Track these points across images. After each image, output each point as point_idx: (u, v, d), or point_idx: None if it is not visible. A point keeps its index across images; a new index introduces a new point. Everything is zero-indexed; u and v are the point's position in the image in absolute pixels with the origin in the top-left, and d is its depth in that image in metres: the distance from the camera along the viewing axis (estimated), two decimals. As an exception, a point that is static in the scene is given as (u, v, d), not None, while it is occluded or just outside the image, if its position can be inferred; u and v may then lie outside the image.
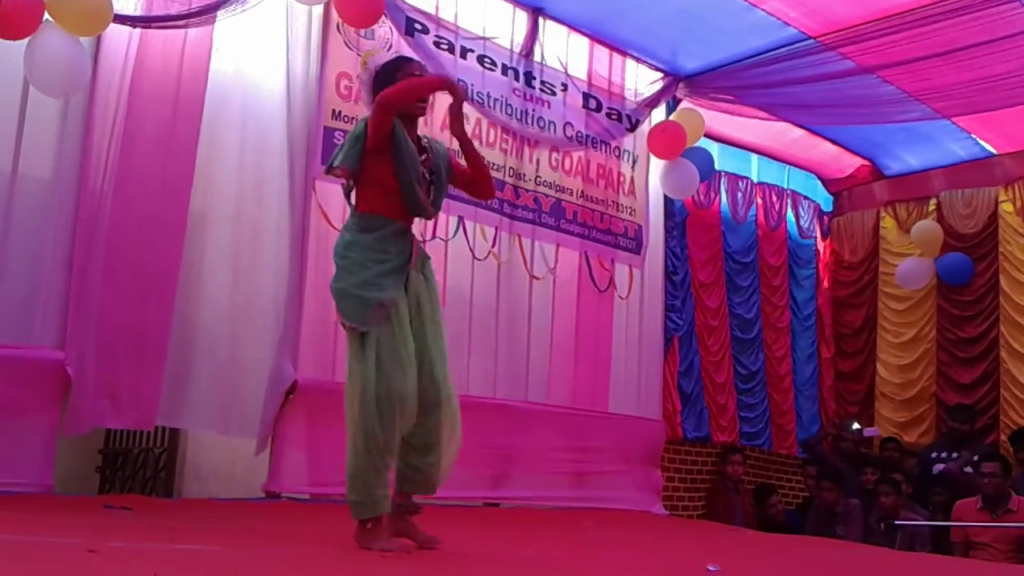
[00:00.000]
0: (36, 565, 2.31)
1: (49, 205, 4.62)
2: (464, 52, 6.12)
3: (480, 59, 6.21)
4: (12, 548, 2.60)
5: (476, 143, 6.06)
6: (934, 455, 7.42)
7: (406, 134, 3.38)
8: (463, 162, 3.68)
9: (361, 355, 3.20)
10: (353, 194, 3.45)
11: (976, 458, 6.82)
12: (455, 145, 3.69)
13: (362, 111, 5.53)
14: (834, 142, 8.34)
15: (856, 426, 8.19)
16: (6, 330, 4.41)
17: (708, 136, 7.38)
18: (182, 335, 4.98)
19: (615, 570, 3.46)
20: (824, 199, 9.15)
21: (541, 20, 6.50)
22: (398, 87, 3.32)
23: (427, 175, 3.46)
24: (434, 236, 5.82)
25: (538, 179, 6.47)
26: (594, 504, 6.28)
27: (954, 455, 7.21)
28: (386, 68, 3.49)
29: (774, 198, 8.51)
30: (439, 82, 3.63)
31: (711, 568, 3.32)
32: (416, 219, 3.52)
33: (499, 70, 6.31)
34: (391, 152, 3.33)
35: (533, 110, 6.47)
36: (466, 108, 6.03)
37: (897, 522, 6.30)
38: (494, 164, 6.19)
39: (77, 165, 4.67)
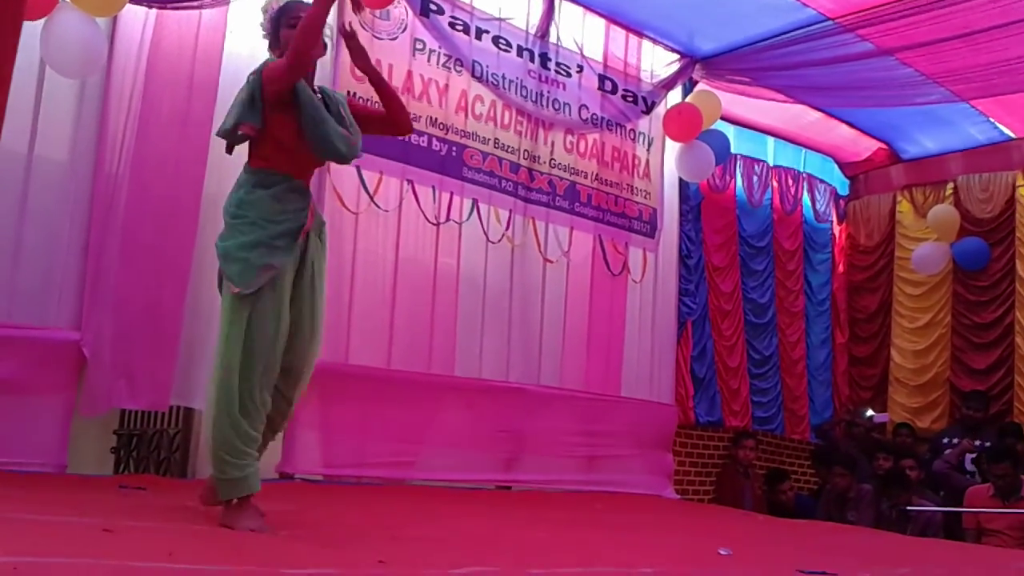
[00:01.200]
0: (52, 544, 2.33)
1: (65, 187, 4.63)
2: (479, 33, 6.10)
3: (495, 40, 6.18)
4: (28, 527, 2.63)
5: (491, 125, 6.07)
6: (946, 440, 7.41)
7: (305, 82, 3.22)
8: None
9: (234, 318, 3.04)
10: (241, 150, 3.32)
11: (977, 444, 6.81)
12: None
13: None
14: (851, 125, 8.27)
15: (869, 412, 8.17)
16: (23, 311, 4.44)
17: (724, 119, 7.34)
18: (195, 316, 4.99)
19: (627, 553, 3.47)
20: (840, 183, 9.09)
21: (557, 1, 6.47)
22: (302, 28, 3.09)
23: (338, 116, 3.30)
24: (448, 219, 5.83)
25: (552, 162, 6.45)
26: (606, 488, 6.30)
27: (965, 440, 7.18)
28: (274, 14, 3.33)
29: (790, 181, 8.46)
30: (325, 5, 3.18)
31: (722, 552, 3.33)
32: (321, 171, 3.33)
33: (514, 51, 6.28)
34: (293, 105, 3.16)
35: (548, 92, 6.45)
36: (481, 89, 6.05)
37: (909, 508, 6.30)
38: (509, 146, 6.18)
39: (93, 147, 4.68)
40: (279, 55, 3.26)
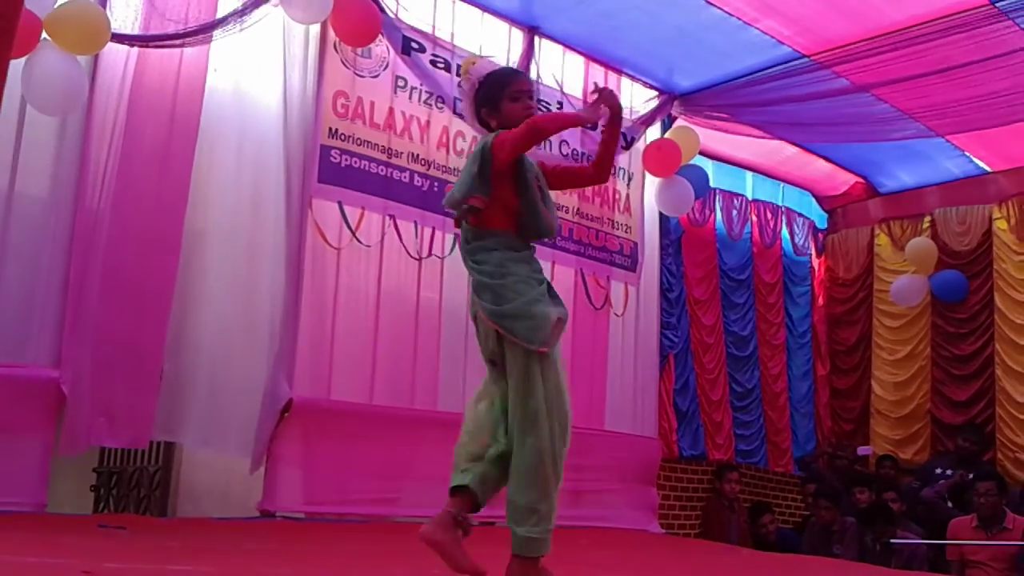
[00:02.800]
0: (31, 587, 2.30)
1: (46, 223, 4.62)
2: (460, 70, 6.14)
3: (476, 77, 6.22)
4: (7, 569, 2.59)
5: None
6: (938, 471, 7.39)
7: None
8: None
9: (542, 376, 2.94)
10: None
11: (971, 476, 6.82)
12: None
13: (359, 129, 5.58)
14: (828, 160, 8.37)
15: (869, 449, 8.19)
16: (2, 348, 4.40)
17: (703, 154, 7.41)
18: (177, 353, 4.97)
19: (612, 590, 3.44)
20: (819, 216, 9.18)
21: (537, 39, 6.53)
22: (555, 119, 3.12)
23: (540, 192, 3.22)
24: (430, 253, 5.83)
25: (534, 197, 6.46)
26: (590, 523, 6.26)
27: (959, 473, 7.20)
28: (492, 80, 3.22)
29: (769, 215, 8.54)
30: (591, 119, 3.29)
31: None
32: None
33: (495, 88, 6.32)
34: (514, 174, 3.12)
35: (529, 128, 6.47)
36: (462, 125, 6.09)
37: (893, 540, 6.29)
38: (490, 182, 6.20)
39: (74, 183, 4.67)
40: (495, 123, 3.19)
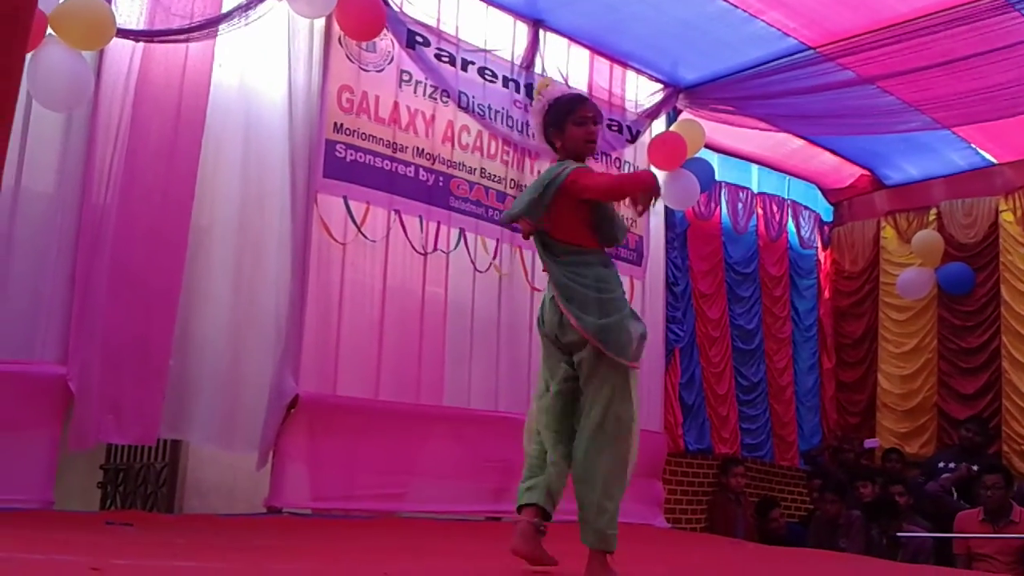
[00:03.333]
0: (39, 584, 2.30)
1: (52, 219, 4.61)
2: (465, 64, 6.13)
3: (481, 71, 6.22)
4: (15, 566, 2.59)
5: (477, 155, 6.10)
6: (941, 464, 7.39)
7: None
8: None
9: (631, 390, 3.27)
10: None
11: (975, 469, 6.81)
12: None
13: (363, 124, 5.57)
14: (834, 152, 8.35)
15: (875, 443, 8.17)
16: (8, 345, 4.40)
17: (708, 147, 7.38)
18: (184, 349, 4.97)
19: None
20: (824, 209, 9.15)
21: (542, 32, 6.52)
22: (633, 184, 3.30)
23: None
24: (435, 248, 5.83)
25: (539, 191, 6.45)
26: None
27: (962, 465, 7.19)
28: (560, 104, 3.46)
29: (774, 208, 8.51)
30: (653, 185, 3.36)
31: None
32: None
33: (500, 82, 6.32)
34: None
35: (534, 122, 6.46)
36: (467, 119, 6.08)
37: (899, 534, 6.29)
38: (495, 176, 6.20)
39: (80, 179, 4.67)
40: (559, 143, 3.46)
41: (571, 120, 3.40)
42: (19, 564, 2.64)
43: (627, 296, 3.36)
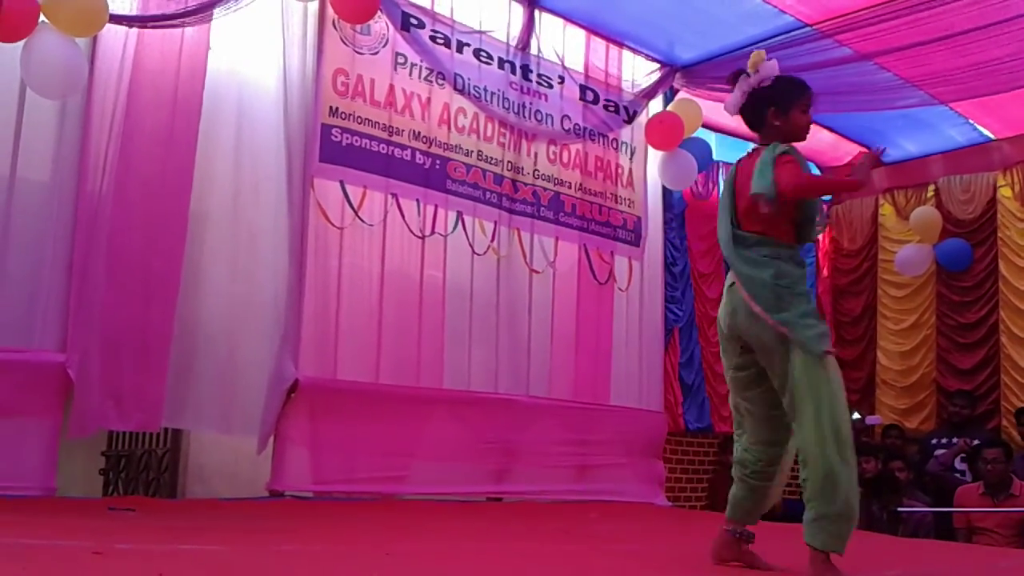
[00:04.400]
0: (42, 568, 2.32)
1: (48, 208, 4.61)
2: (460, 46, 6.11)
3: (476, 53, 6.20)
4: (18, 551, 2.61)
5: (474, 137, 6.09)
6: (935, 441, 7.43)
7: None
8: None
9: (828, 378, 3.18)
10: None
11: (975, 443, 6.83)
12: None
13: (359, 108, 5.56)
14: (831, 130, 8.32)
15: (856, 415, 8.18)
16: (7, 333, 4.41)
17: (706, 126, 7.35)
18: (183, 335, 4.98)
19: (621, 563, 3.47)
20: (822, 187, 9.11)
21: (537, 13, 6.49)
22: (826, 187, 3.50)
23: None
24: (433, 232, 5.83)
25: (536, 172, 6.46)
26: (597, 497, 6.29)
27: (954, 441, 7.22)
28: (788, 85, 3.33)
29: (772, 187, 8.48)
30: (853, 186, 3.41)
31: None
32: None
33: (495, 64, 6.30)
34: None
35: (530, 103, 6.46)
36: (463, 102, 6.07)
37: (900, 509, 6.31)
38: (492, 158, 6.20)
39: (76, 167, 4.66)
40: (779, 123, 3.30)
41: (799, 106, 3.30)
42: (23, 549, 2.66)
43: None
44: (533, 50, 6.48)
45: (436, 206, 5.86)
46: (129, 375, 4.71)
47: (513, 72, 6.38)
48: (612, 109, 6.95)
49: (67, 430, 4.52)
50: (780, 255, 3.18)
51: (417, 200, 5.78)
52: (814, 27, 6.29)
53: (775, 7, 6.14)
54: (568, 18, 6.69)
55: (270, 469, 5.06)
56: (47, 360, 4.45)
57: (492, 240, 6.14)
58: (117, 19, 4.64)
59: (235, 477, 5.52)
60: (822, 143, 8.51)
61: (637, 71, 7.14)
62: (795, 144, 3.29)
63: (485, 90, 6.21)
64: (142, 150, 4.81)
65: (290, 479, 5.08)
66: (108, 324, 4.65)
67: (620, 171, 7.02)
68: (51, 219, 4.61)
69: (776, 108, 3.29)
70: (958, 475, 7.00)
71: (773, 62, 3.33)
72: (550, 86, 6.59)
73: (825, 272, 9.00)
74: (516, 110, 6.37)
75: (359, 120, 5.57)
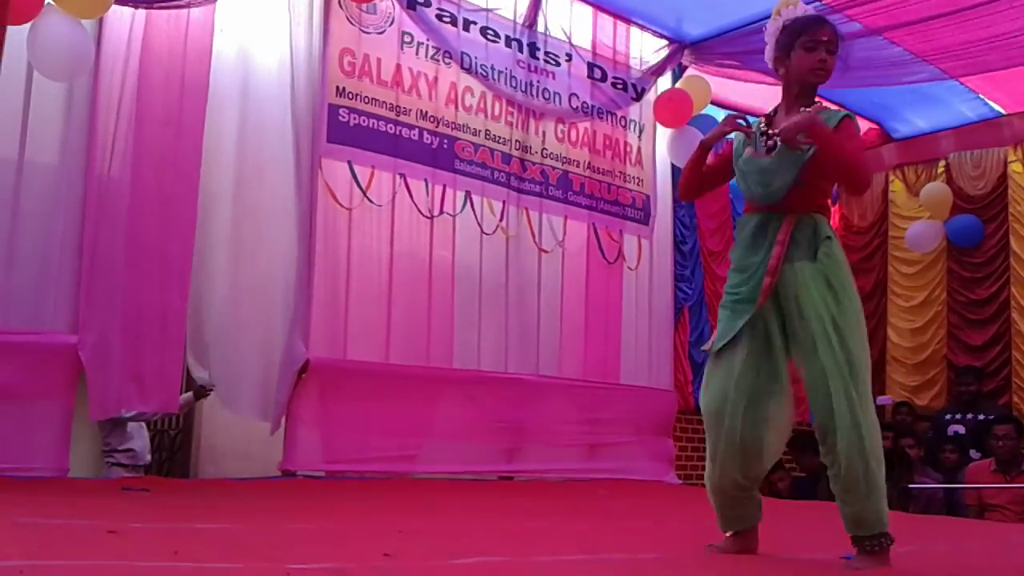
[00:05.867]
0: (59, 546, 2.33)
1: (57, 190, 4.62)
2: (467, 24, 6.08)
3: (483, 31, 6.17)
4: (33, 531, 2.63)
5: (482, 116, 6.06)
6: (948, 417, 7.42)
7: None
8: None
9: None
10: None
11: (981, 417, 6.83)
12: None
13: (366, 87, 5.55)
14: (841, 106, 8.19)
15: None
16: (18, 315, 4.44)
17: (714, 103, 7.32)
18: (198, 314, 5.00)
19: (632, 539, 3.48)
20: (832, 164, 9.07)
21: (544, -10, 6.46)
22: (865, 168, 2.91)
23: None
24: (441, 212, 5.82)
25: (544, 151, 6.44)
26: (607, 475, 6.30)
27: (968, 417, 7.21)
28: (792, 25, 2.97)
29: (782, 164, 8.44)
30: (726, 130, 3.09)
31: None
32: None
33: (502, 42, 6.26)
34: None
35: (538, 82, 6.43)
36: (470, 81, 6.04)
37: (911, 486, 6.31)
38: (500, 137, 6.18)
39: (84, 149, 4.67)
40: (782, 71, 3.00)
41: (800, 44, 2.91)
42: (38, 528, 2.68)
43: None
44: (540, 28, 6.45)
45: (444, 186, 5.85)
46: (148, 356, 4.73)
47: (520, 50, 6.35)
48: (620, 87, 6.91)
49: (86, 412, 4.55)
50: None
51: (425, 180, 5.77)
52: (823, 2, 6.23)
53: (784, -18, 6.09)
54: (575, -5, 6.65)
55: (282, 449, 5.08)
56: (59, 342, 4.47)
57: (501, 220, 6.13)
58: (123, 1, 4.63)
59: (247, 457, 5.55)
60: (832, 120, 8.45)
61: (645, 48, 7.09)
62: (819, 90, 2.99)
63: (492, 69, 6.18)
64: (150, 132, 4.81)
65: (302, 459, 5.11)
66: (123, 306, 4.67)
67: (629, 149, 6.99)
68: (60, 202, 4.62)
69: (780, 54, 3.00)
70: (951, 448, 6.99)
71: (797, 6, 3.03)
72: (557, 64, 6.56)
73: (835, 249, 8.95)
74: (524, 88, 6.34)
75: (366, 100, 5.56)
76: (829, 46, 2.92)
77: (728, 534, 3.09)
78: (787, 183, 2.86)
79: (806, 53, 2.91)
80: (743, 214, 3.05)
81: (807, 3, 5.82)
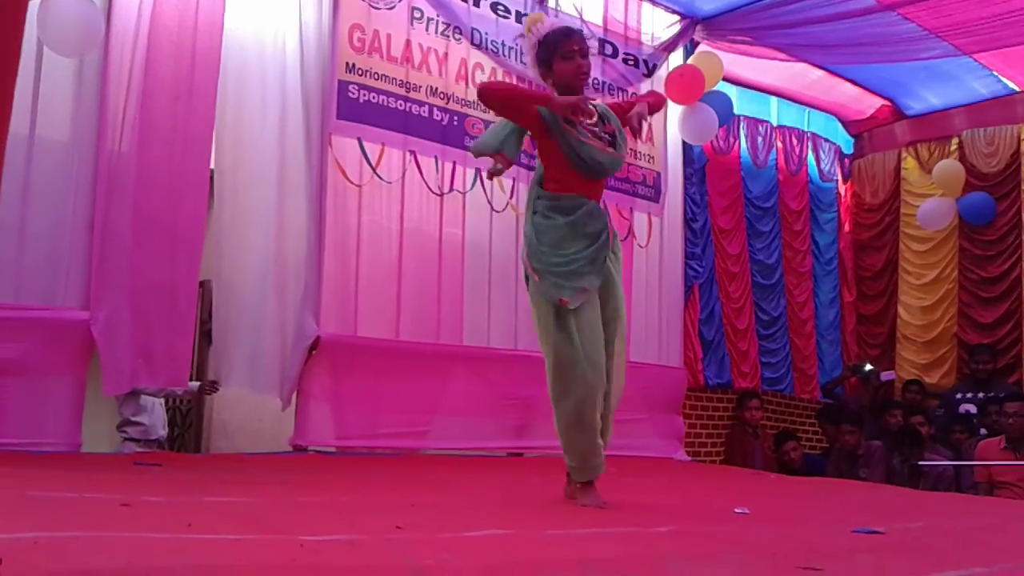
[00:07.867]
0: (72, 519, 2.35)
1: (68, 166, 4.62)
2: (477, 0, 6.05)
3: (493, 7, 6.14)
4: (47, 504, 2.64)
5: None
6: (959, 396, 7.42)
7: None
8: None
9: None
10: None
11: (992, 395, 6.83)
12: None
13: (376, 64, 5.53)
14: (854, 83, 8.21)
15: (869, 367, 8.16)
16: (31, 292, 4.45)
17: (726, 80, 7.28)
18: (205, 293, 5.01)
19: (642, 514, 3.49)
20: (845, 141, 9.04)
21: (555, -35, 6.41)
22: (503, 93, 3.57)
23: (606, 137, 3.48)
24: (451, 189, 5.81)
25: (555, 128, 6.40)
26: (616, 452, 6.26)
27: (979, 395, 7.21)
28: (547, 40, 3.40)
29: (794, 141, 8.42)
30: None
31: (738, 511, 3.34)
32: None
33: (513, 17, 6.23)
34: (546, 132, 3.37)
35: (548, 58, 6.38)
36: (481, 57, 6.01)
37: (921, 463, 6.32)
38: (510, 114, 6.14)
39: (95, 125, 4.66)
40: (550, 82, 3.43)
41: (557, 56, 3.36)
42: (52, 502, 2.70)
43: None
44: (551, 3, 6.40)
45: (454, 163, 5.84)
46: (158, 332, 4.74)
47: (531, 26, 6.30)
48: (631, 63, 6.87)
49: (99, 389, 4.57)
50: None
51: (435, 157, 5.76)
52: (836, -23, 6.19)
53: (797, -43, 6.05)
54: (586, -29, 6.60)
55: (293, 425, 5.10)
56: (71, 318, 4.49)
57: (511, 197, 6.11)
58: (131, -25, 4.62)
59: (258, 433, 5.59)
60: (845, 95, 8.41)
61: (657, 24, 7.05)
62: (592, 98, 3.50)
63: (503, 45, 6.15)
64: (161, 107, 4.81)
65: (313, 434, 5.13)
66: (134, 282, 4.68)
67: (639, 126, 6.94)
68: (71, 178, 4.62)
69: (543, 68, 3.41)
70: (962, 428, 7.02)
71: (545, 22, 3.45)
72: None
73: (847, 227, 8.94)
74: (534, 65, 6.29)
75: (376, 76, 5.54)
76: (582, 53, 3.36)
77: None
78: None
79: (565, 62, 3.35)
80: (564, 193, 3.60)
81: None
